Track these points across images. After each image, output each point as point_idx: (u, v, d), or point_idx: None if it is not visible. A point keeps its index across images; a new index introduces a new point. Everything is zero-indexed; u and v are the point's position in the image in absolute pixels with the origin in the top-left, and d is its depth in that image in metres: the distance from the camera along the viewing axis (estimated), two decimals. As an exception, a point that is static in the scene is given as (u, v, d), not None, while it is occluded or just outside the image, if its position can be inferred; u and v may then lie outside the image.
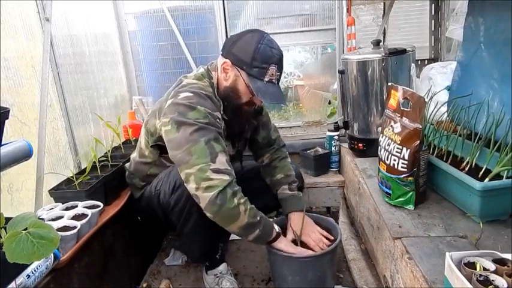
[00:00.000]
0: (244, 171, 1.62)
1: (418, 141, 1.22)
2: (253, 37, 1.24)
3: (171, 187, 1.30)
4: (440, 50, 2.47)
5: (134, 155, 1.54)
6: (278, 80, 1.29)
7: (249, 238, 1.22)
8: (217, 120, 1.25)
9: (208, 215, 1.16)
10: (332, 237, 1.38)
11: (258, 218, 1.20)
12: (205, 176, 1.13)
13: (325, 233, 1.39)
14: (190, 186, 1.16)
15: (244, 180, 1.58)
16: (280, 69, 1.27)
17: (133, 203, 1.55)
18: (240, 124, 1.42)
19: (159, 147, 1.38)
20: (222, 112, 1.32)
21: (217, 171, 1.14)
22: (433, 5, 2.45)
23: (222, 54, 1.31)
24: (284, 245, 1.28)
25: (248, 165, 1.65)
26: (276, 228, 1.28)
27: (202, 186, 1.13)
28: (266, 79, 1.24)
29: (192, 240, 1.39)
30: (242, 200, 1.17)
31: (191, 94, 1.24)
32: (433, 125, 1.54)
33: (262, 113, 1.54)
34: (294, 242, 1.36)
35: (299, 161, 2.22)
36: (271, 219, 1.30)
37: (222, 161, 1.16)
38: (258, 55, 1.22)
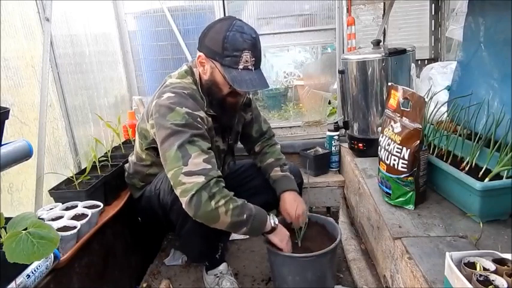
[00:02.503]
0: (242, 169, 1.62)
1: (418, 141, 1.22)
2: (222, 26, 1.20)
3: (170, 186, 1.30)
4: (440, 50, 2.47)
5: (132, 158, 1.54)
6: (255, 65, 1.23)
7: (239, 233, 1.24)
8: (198, 119, 1.23)
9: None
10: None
11: (245, 216, 1.18)
12: (178, 181, 1.13)
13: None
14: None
15: (242, 178, 1.60)
16: (255, 54, 1.21)
17: (133, 203, 1.55)
18: (228, 117, 1.41)
19: (154, 149, 1.37)
20: (206, 108, 1.31)
21: (189, 173, 1.13)
22: (433, 5, 2.44)
23: (197, 48, 1.29)
24: (279, 240, 1.28)
25: (246, 164, 1.66)
26: (272, 222, 1.27)
27: (178, 191, 1.14)
28: (240, 67, 1.19)
29: (191, 239, 1.39)
30: (221, 202, 1.14)
31: (172, 94, 1.24)
32: (433, 125, 1.54)
33: (251, 105, 1.54)
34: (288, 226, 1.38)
35: (299, 161, 2.22)
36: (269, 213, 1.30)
37: (196, 163, 1.14)
38: (228, 44, 1.17)
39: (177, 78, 1.33)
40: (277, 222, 1.29)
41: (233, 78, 1.19)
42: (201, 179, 1.13)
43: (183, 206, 1.15)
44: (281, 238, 1.29)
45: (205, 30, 1.26)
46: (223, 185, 1.19)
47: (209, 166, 1.16)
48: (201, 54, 1.26)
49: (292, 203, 1.41)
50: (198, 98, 1.29)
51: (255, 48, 1.22)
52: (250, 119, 1.57)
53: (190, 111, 1.21)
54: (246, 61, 1.20)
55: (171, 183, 1.17)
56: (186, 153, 1.15)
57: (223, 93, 1.28)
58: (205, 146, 1.20)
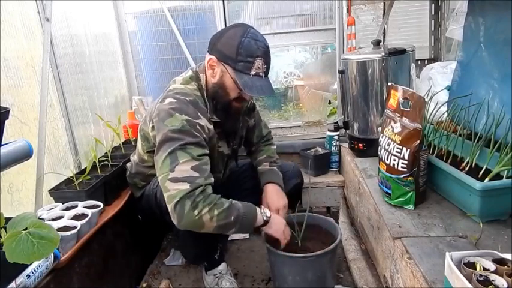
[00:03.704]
0: (241, 170, 1.63)
1: (418, 141, 1.22)
2: (237, 31, 1.22)
3: None
4: (440, 50, 2.47)
5: (134, 158, 1.54)
6: (266, 72, 1.25)
7: (229, 233, 1.24)
8: (197, 127, 1.22)
9: None
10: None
11: (232, 218, 1.15)
12: (165, 187, 1.13)
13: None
14: None
15: (240, 179, 1.61)
16: (266, 61, 1.24)
17: (134, 203, 1.55)
18: (232, 122, 1.41)
19: None
20: (210, 114, 1.30)
21: (175, 180, 1.12)
22: (433, 5, 2.44)
23: (208, 51, 1.29)
24: (274, 230, 1.28)
25: (246, 164, 1.67)
26: (264, 216, 1.25)
27: (164, 197, 1.14)
28: (252, 73, 1.21)
29: (187, 241, 1.39)
30: (205, 210, 1.11)
31: (174, 100, 1.24)
32: (433, 125, 1.54)
33: (254, 109, 1.55)
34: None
35: (299, 161, 2.22)
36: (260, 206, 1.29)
37: (182, 169, 1.13)
38: (243, 49, 1.19)
39: (181, 83, 1.33)
40: (269, 215, 1.27)
41: (244, 83, 1.20)
42: (185, 186, 1.10)
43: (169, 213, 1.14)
44: (276, 228, 1.28)
45: (218, 35, 1.27)
46: (210, 192, 1.15)
47: (196, 174, 1.14)
48: (212, 57, 1.26)
49: (272, 196, 1.42)
50: (200, 105, 1.28)
51: (267, 57, 1.24)
52: (254, 124, 1.59)
53: (190, 118, 1.21)
54: (258, 68, 1.22)
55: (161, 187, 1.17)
56: (175, 160, 1.14)
57: (230, 97, 1.29)
58: (197, 153, 1.17)
